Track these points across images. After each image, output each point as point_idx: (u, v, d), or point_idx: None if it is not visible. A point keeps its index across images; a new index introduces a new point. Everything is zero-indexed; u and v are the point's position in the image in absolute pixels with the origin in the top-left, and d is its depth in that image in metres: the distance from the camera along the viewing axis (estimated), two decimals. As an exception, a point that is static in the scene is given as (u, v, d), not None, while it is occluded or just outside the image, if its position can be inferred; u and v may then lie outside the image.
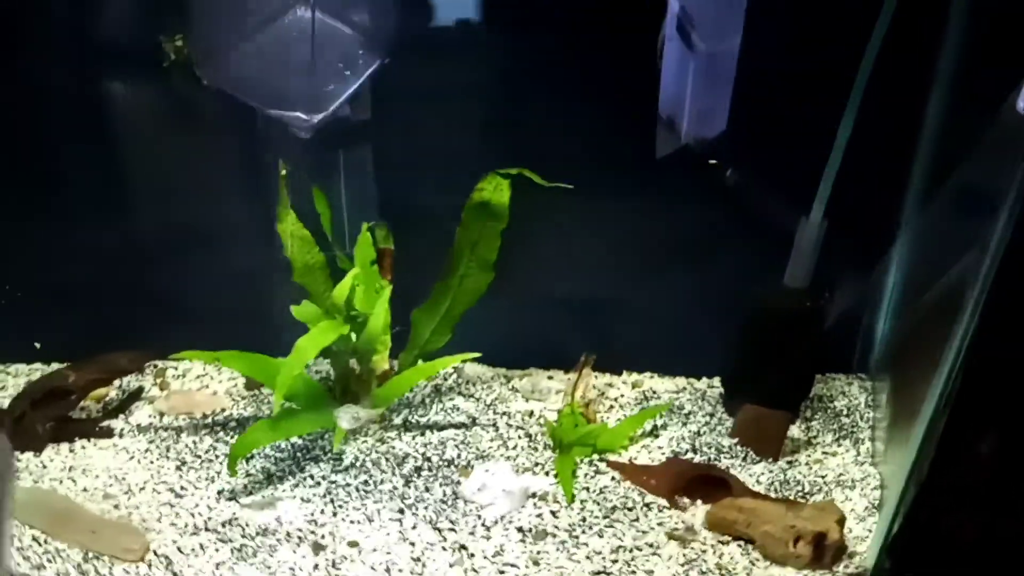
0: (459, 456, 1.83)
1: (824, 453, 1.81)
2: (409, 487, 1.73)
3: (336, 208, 1.92)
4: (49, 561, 1.51)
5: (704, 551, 1.57)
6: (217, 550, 1.55)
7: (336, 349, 1.82)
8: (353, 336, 1.80)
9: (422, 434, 1.90)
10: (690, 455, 1.83)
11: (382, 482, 1.74)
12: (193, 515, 1.64)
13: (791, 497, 1.67)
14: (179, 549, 1.55)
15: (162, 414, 1.97)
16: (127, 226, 2.08)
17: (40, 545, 1.54)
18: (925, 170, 1.67)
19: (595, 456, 1.83)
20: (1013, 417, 1.35)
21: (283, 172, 1.74)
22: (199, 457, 1.81)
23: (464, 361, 1.84)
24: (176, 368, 2.15)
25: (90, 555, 1.52)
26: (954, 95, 1.59)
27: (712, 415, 1.96)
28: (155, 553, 1.54)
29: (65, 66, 1.90)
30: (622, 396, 2.08)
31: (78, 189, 2.04)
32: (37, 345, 2.13)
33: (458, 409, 2.00)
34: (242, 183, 2.07)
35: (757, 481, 1.73)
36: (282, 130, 1.85)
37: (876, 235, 1.73)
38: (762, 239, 1.85)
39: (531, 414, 1.99)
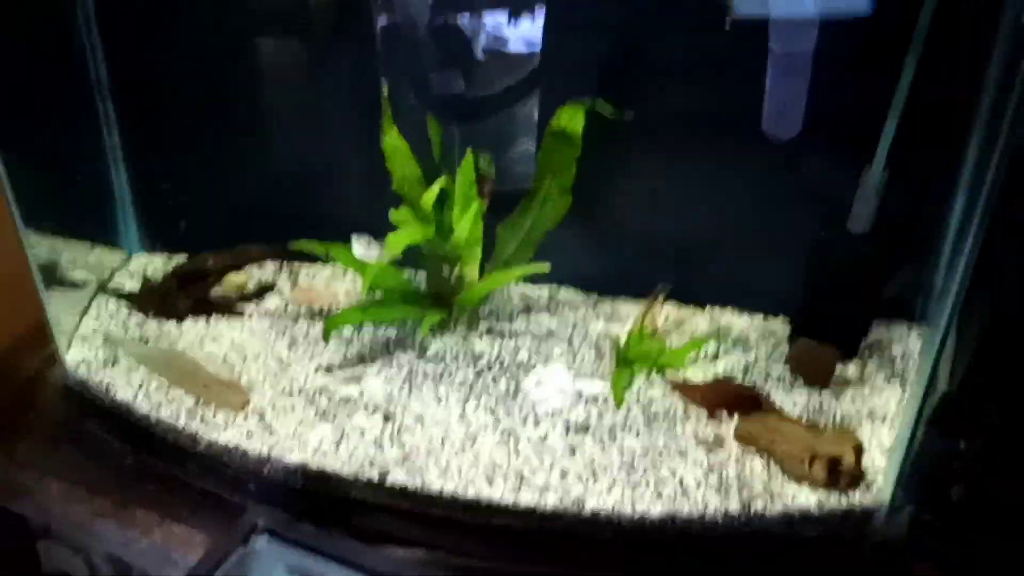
0: (529, 360, 1.99)
1: (870, 391, 1.83)
2: (479, 379, 1.91)
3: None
4: (169, 402, 1.82)
5: (727, 460, 1.66)
6: (304, 411, 1.80)
7: (428, 254, 2.02)
8: (442, 242, 1.99)
9: (502, 339, 2.07)
10: (742, 379, 1.90)
11: (456, 372, 1.93)
12: (292, 381, 1.90)
13: (822, 424, 1.72)
14: (272, 406, 1.81)
15: (287, 304, 2.24)
16: (280, 140, 2.34)
17: (164, 391, 1.85)
18: (988, 118, 1.64)
19: (653, 372, 1.94)
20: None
21: (385, 91, 1.93)
22: (308, 339, 2.07)
23: (534, 272, 1.98)
24: (308, 271, 2.42)
25: (200, 402, 1.81)
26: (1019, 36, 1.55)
27: (775, 347, 2.01)
28: (252, 408, 1.80)
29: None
30: (698, 327, 2.16)
31: (237, 96, 2.28)
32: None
33: (541, 324, 2.16)
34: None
35: (794, 404, 1.78)
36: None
37: (940, 186, 1.71)
38: (831, 187, 1.87)
39: (607, 334, 2.11)
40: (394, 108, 1.96)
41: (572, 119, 1.88)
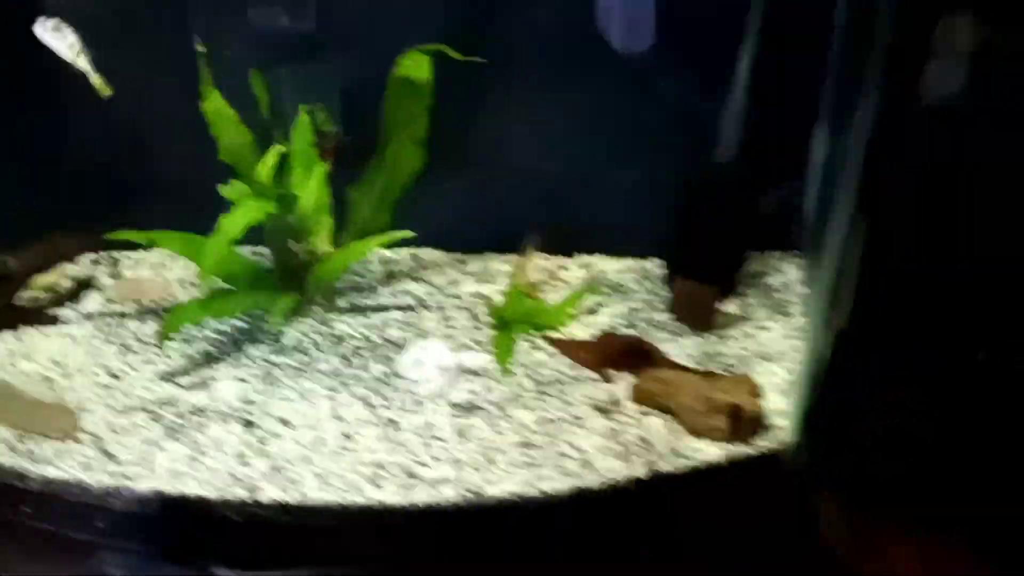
0: (400, 336, 1.81)
1: (756, 328, 1.79)
2: (346, 366, 1.72)
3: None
4: (-17, 440, 1.53)
5: (627, 423, 1.56)
6: (148, 429, 1.56)
7: (270, 229, 1.79)
8: (284, 215, 1.76)
9: (366, 316, 1.88)
10: (625, 331, 1.80)
11: (319, 362, 1.73)
12: (128, 396, 1.64)
13: (715, 370, 1.65)
14: (110, 428, 1.56)
15: (111, 301, 1.95)
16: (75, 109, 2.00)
17: (-25, 426, 1.55)
18: (846, 39, 1.58)
19: (534, 333, 1.81)
20: (915, 289, 1.31)
21: (201, 49, 1.66)
22: (141, 342, 1.80)
23: (396, 240, 1.80)
24: (131, 258, 2.13)
25: (23, 435, 1.53)
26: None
27: (655, 294, 1.93)
28: (86, 432, 1.54)
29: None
30: (572, 278, 2.04)
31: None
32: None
33: (407, 292, 1.98)
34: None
35: (688, 355, 1.71)
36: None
37: (806, 110, 1.65)
38: (699, 117, 1.78)
39: (479, 296, 1.96)
40: (214, 65, 1.69)
41: (417, 66, 1.69)
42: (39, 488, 1.48)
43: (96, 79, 1.60)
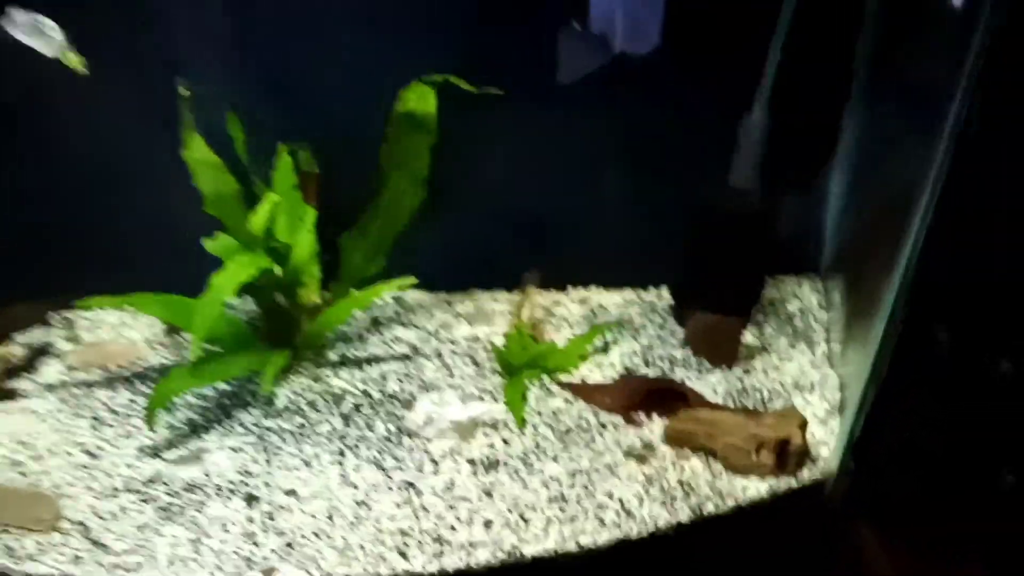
0: (402, 389, 1.69)
1: (780, 358, 1.72)
2: (349, 426, 1.59)
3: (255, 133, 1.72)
4: (-49, 538, 1.34)
5: (664, 468, 1.47)
6: (140, 511, 1.40)
7: (259, 284, 1.65)
8: (277, 270, 1.63)
9: (360, 369, 1.75)
10: (643, 370, 1.72)
11: (319, 423, 1.60)
12: (111, 476, 1.48)
13: (750, 406, 1.58)
14: (96, 514, 1.39)
15: (73, 369, 1.78)
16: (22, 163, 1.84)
17: (-61, 523, 1.37)
18: (869, 63, 1.55)
19: (546, 378, 1.71)
20: (968, 312, 1.27)
21: (183, 91, 1.53)
22: (116, 413, 1.64)
23: (401, 288, 1.69)
24: (88, 318, 1.95)
25: (-3, 528, 1.36)
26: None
27: (663, 327, 1.85)
28: (69, 520, 1.37)
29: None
30: (570, 314, 1.95)
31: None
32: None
33: (399, 340, 1.86)
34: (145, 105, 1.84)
35: (714, 391, 1.63)
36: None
37: (823, 132, 1.61)
38: (706, 141, 1.71)
39: (476, 339, 1.86)
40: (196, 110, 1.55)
41: (421, 99, 1.59)
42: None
43: (73, 59, 1.44)
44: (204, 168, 1.57)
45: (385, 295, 1.96)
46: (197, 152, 1.57)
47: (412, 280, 1.64)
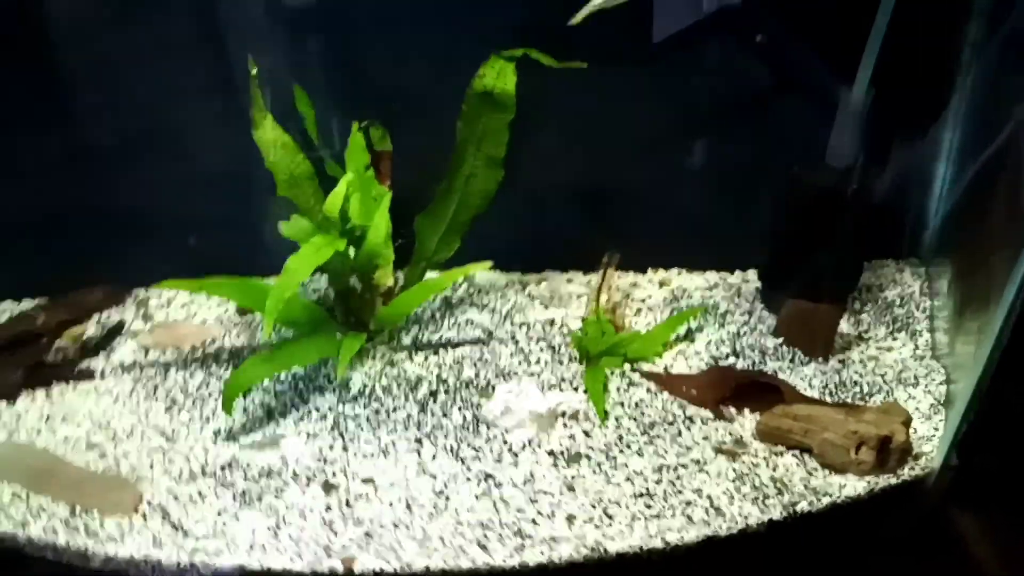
0: (478, 375, 1.72)
1: (879, 348, 1.70)
2: (425, 414, 1.63)
3: (322, 107, 1.75)
4: (34, 517, 1.41)
5: (756, 464, 1.47)
6: (218, 496, 1.46)
7: (333, 267, 1.69)
8: (351, 251, 1.67)
9: (435, 354, 1.79)
10: (732, 360, 1.72)
11: (395, 410, 1.64)
12: (188, 460, 1.54)
13: (848, 399, 1.57)
14: (175, 498, 1.46)
15: (147, 349, 1.85)
16: (88, 144, 1.91)
17: (22, 501, 1.44)
18: (977, 36, 1.51)
19: (627, 367, 1.72)
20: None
21: (253, 71, 1.57)
22: (190, 395, 1.70)
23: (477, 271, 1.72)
24: (160, 297, 2.03)
25: (78, 510, 1.43)
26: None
27: (750, 313, 1.84)
28: (149, 504, 1.44)
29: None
30: (650, 297, 1.96)
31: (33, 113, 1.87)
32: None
33: (472, 323, 1.89)
34: (213, 82, 1.88)
35: (809, 384, 1.62)
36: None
37: (927, 107, 1.57)
38: (802, 115, 1.69)
39: (552, 323, 1.88)
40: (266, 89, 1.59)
41: (501, 76, 1.60)
42: (104, 568, 1.38)
43: None
44: (277, 149, 1.61)
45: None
46: (269, 132, 1.61)
47: (488, 264, 1.66)
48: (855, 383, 1.62)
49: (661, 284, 2.01)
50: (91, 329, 1.89)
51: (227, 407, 1.54)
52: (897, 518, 1.47)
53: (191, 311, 1.99)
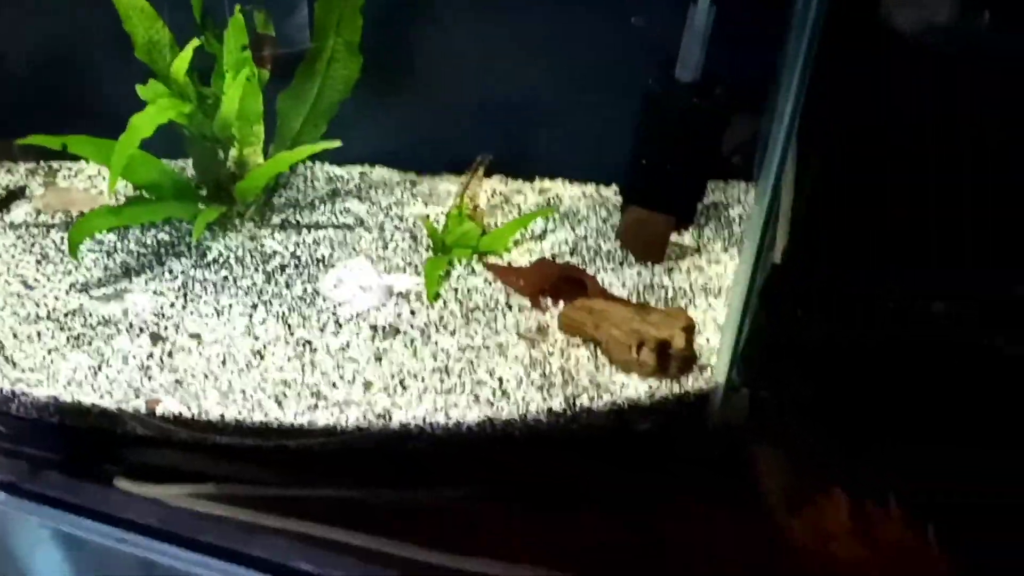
0: (332, 255, 1.83)
1: (709, 261, 1.78)
2: (269, 284, 1.75)
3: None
4: None
5: (551, 353, 1.58)
6: (53, 337, 1.60)
7: (192, 136, 1.80)
8: (207, 122, 1.77)
9: (299, 233, 1.90)
10: (567, 258, 1.81)
11: (242, 278, 1.76)
12: (39, 305, 1.68)
13: (652, 302, 1.66)
14: (15, 336, 1.60)
15: (38, 212, 1.99)
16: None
17: None
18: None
19: (475, 258, 1.82)
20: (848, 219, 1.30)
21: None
22: (62, 252, 1.84)
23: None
24: (70, 169, 2.16)
25: (-80, 339, 1.58)
26: None
27: (606, 221, 1.92)
28: (-13, 338, 1.59)
29: None
30: (526, 203, 2.04)
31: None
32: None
33: (349, 211, 1.99)
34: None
35: (623, 285, 1.71)
36: None
37: (775, 23, 1.61)
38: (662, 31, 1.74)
39: (426, 217, 1.97)
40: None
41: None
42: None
43: None
44: (132, 12, 1.70)
45: (353, 169, 2.11)
46: (125, -1, 1.70)
47: (336, 143, 1.75)
48: (663, 287, 1.70)
49: (540, 192, 2.09)
50: (-8, 190, 2.04)
51: (72, 251, 1.68)
52: (683, 431, 1.55)
53: (94, 183, 2.11)
